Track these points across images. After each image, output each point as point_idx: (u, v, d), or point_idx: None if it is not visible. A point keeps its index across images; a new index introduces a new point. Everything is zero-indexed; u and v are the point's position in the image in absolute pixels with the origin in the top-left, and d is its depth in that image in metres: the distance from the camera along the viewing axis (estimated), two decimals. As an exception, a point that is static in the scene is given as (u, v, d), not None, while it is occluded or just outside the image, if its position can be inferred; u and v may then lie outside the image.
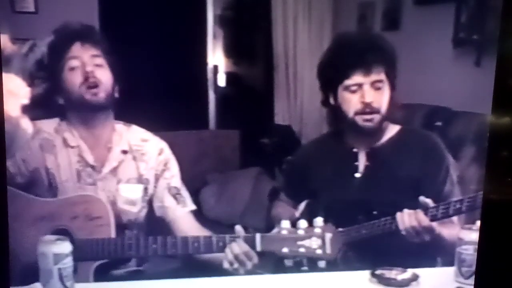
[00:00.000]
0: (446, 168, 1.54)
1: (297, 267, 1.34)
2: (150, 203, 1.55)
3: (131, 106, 1.59)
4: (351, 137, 1.59)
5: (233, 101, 2.57)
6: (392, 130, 1.59)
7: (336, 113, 1.58)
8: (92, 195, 1.46)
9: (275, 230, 1.36)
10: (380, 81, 1.52)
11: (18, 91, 1.32)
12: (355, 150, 1.59)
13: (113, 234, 1.43)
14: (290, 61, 2.50)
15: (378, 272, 1.36)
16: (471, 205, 1.43)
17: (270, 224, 1.43)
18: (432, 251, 1.49)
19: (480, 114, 1.65)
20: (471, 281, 1.32)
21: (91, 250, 1.39)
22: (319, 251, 1.32)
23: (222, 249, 1.37)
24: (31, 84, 1.39)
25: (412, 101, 1.92)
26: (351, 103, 1.53)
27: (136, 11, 2.11)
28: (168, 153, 1.57)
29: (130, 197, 1.51)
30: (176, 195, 1.55)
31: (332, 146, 1.65)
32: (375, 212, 1.51)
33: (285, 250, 1.33)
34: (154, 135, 1.57)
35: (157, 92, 2.11)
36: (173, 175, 1.56)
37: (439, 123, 1.95)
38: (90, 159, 1.49)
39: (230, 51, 2.54)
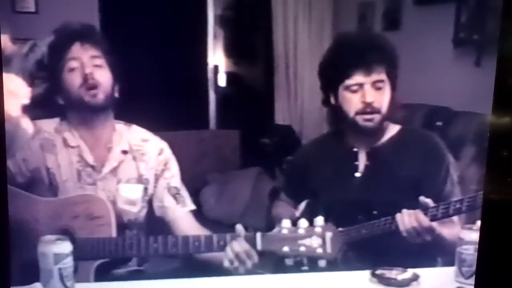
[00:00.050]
0: (446, 168, 1.54)
1: (297, 267, 1.34)
2: (150, 203, 1.55)
3: (131, 106, 1.59)
4: (351, 136, 1.60)
5: (234, 101, 2.56)
6: (393, 130, 1.59)
7: (336, 113, 1.58)
8: (93, 194, 1.47)
9: (275, 229, 1.36)
10: (381, 81, 1.52)
11: (19, 91, 1.32)
12: (355, 149, 1.59)
13: (114, 233, 1.44)
14: (290, 61, 2.50)
15: (378, 272, 1.36)
16: (471, 205, 1.43)
17: (270, 224, 1.43)
18: (432, 251, 1.49)
19: (480, 114, 1.65)
20: (472, 281, 1.32)
21: (92, 249, 1.39)
22: (319, 250, 1.32)
23: (223, 248, 1.38)
24: (31, 84, 1.39)
25: (413, 101, 1.91)
26: (351, 102, 1.53)
27: (136, 11, 2.11)
28: (168, 153, 1.57)
29: (130, 197, 1.51)
30: (176, 195, 1.55)
31: (332, 146, 1.65)
32: (375, 212, 1.51)
33: (285, 249, 1.33)
34: (154, 135, 1.57)
35: (157, 92, 2.10)
36: (173, 175, 1.56)
37: (439, 123, 1.95)
38: (90, 159, 1.49)
39: (231, 51, 2.53)
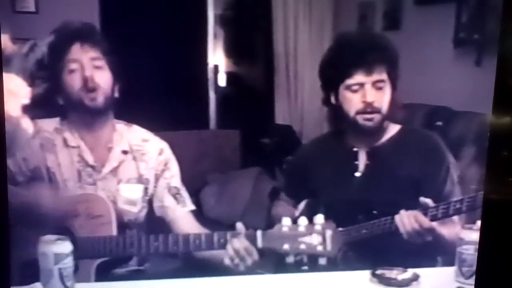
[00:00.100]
0: (447, 167, 1.54)
1: (297, 267, 1.34)
2: (150, 203, 1.55)
3: (131, 106, 1.59)
4: (351, 136, 1.59)
5: (234, 101, 2.56)
6: (393, 129, 1.59)
7: (337, 113, 1.58)
8: (94, 193, 1.47)
9: (276, 227, 1.36)
10: (381, 80, 1.52)
11: (19, 91, 1.32)
12: (355, 149, 1.59)
13: (114, 232, 1.44)
14: (290, 61, 2.50)
15: (378, 272, 1.35)
16: (472, 205, 1.42)
17: (270, 224, 1.42)
18: (432, 251, 1.49)
19: (481, 114, 1.65)
20: (472, 281, 1.32)
21: (93, 248, 1.39)
22: (319, 248, 1.32)
23: (223, 246, 1.37)
24: (31, 84, 1.38)
25: (413, 101, 1.92)
26: (352, 102, 1.53)
27: (137, 11, 2.11)
28: (168, 153, 1.57)
29: (130, 197, 1.51)
30: (176, 195, 1.55)
31: (332, 146, 1.65)
32: (375, 212, 1.51)
33: (286, 246, 1.33)
34: (155, 135, 1.57)
35: (158, 92, 2.10)
36: (173, 175, 1.56)
37: (439, 123, 1.95)
38: (90, 159, 1.49)
39: (231, 51, 2.53)
